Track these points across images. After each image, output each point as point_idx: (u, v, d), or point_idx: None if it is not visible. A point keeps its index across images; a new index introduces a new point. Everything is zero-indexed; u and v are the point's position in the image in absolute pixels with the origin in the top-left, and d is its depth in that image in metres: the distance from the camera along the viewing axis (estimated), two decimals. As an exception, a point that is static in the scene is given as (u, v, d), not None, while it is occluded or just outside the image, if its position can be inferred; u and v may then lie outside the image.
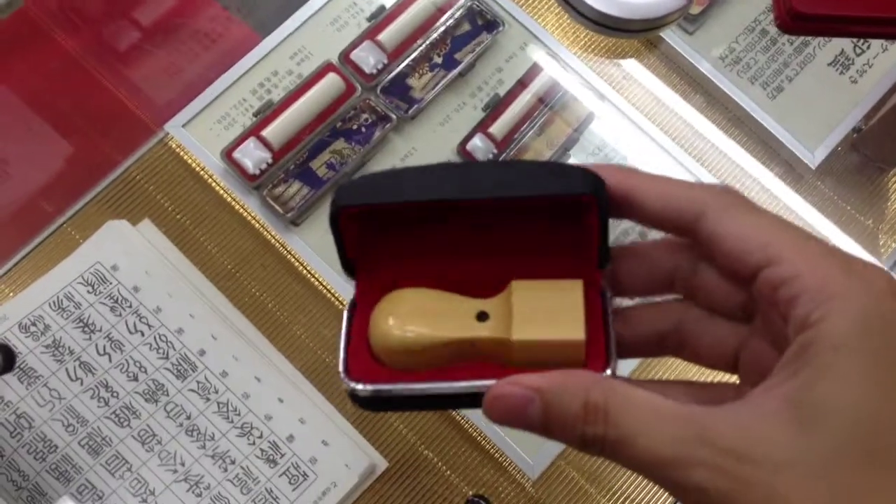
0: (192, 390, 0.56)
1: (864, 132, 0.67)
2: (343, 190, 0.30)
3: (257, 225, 0.61)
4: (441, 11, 0.64)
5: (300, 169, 0.60)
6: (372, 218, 0.31)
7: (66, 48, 0.64)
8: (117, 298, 0.57)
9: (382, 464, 0.57)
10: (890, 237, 0.66)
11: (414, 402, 0.30)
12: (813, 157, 0.65)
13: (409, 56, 0.63)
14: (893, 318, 0.25)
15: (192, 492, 0.54)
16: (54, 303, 0.57)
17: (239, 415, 0.56)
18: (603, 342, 0.29)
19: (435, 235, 0.31)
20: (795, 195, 0.66)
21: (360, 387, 0.29)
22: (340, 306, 0.59)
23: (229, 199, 0.61)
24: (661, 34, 0.66)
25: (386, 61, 0.62)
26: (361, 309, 0.31)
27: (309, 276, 0.60)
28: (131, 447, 0.55)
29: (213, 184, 0.61)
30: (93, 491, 0.54)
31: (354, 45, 0.62)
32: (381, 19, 0.63)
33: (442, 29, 0.63)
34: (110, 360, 0.56)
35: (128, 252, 0.58)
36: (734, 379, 0.30)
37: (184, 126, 0.61)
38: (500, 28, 0.64)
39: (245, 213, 0.61)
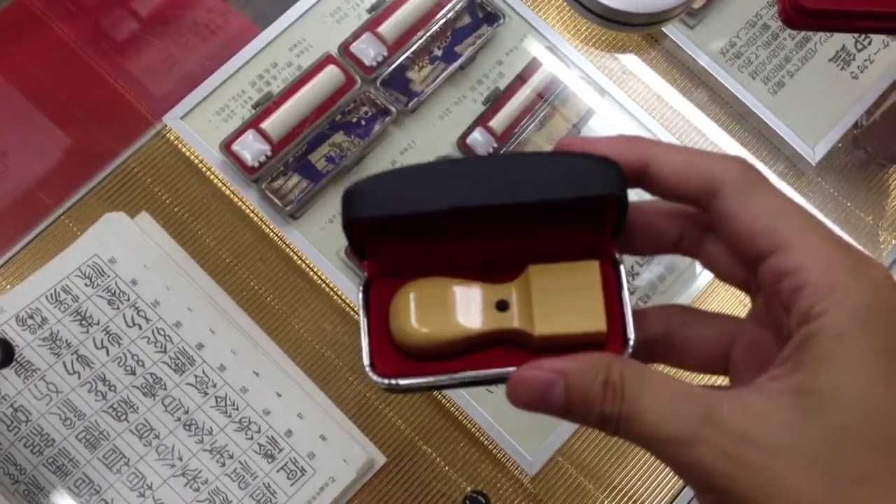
0: (190, 384, 0.56)
1: (865, 128, 0.66)
2: (355, 198, 0.29)
3: (256, 218, 0.60)
4: (441, 4, 0.63)
5: (299, 162, 0.60)
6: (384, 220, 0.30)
7: (63, 38, 0.64)
8: (115, 291, 0.57)
9: (381, 459, 0.56)
10: (890, 234, 0.66)
11: (437, 388, 0.31)
12: (814, 153, 0.65)
13: (409, 48, 0.62)
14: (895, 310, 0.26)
15: (190, 486, 0.54)
16: (52, 295, 0.56)
17: (237, 409, 0.56)
18: (620, 322, 0.30)
19: (445, 220, 0.31)
20: (796, 192, 0.66)
21: (387, 381, 0.30)
22: (339, 300, 0.59)
23: (228, 191, 0.61)
24: (663, 28, 0.66)
25: (386, 54, 0.62)
26: (375, 291, 0.31)
27: (308, 269, 0.60)
28: (129, 441, 0.55)
29: (212, 176, 0.61)
30: (90, 485, 0.54)
31: (354, 37, 0.62)
32: (382, 11, 0.63)
33: (442, 21, 0.63)
34: (108, 354, 0.56)
35: (126, 245, 0.58)
36: (724, 381, 0.31)
37: (182, 118, 0.61)
38: (501, 21, 0.64)
39: (244, 206, 0.61)
